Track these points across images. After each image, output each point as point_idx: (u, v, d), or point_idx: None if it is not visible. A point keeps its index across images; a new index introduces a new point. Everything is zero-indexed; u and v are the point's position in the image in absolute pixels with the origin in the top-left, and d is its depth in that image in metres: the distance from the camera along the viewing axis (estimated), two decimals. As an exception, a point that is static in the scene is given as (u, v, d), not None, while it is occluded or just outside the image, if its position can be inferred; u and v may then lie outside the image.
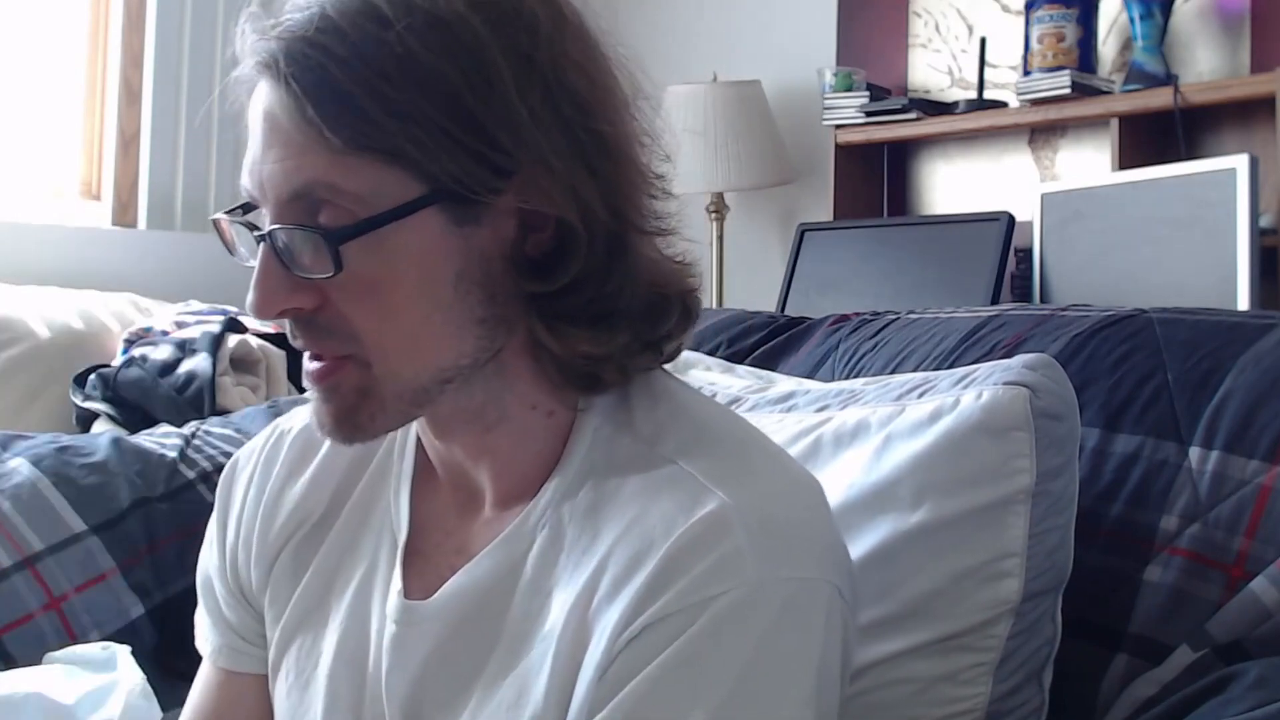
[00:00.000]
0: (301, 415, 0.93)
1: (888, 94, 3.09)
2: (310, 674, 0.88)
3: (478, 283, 0.76)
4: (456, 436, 0.83)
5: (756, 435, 0.84)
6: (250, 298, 0.75)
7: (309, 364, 0.78)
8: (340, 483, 0.91)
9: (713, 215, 3.27)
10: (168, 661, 1.36)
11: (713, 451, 0.78)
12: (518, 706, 0.76)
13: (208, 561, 0.98)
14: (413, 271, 0.74)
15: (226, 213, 0.80)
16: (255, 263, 0.76)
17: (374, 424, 0.78)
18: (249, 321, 2.52)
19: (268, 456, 0.95)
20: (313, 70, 0.72)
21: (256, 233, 0.76)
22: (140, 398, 2.38)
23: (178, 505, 1.51)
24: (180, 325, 2.56)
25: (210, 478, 1.53)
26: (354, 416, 0.78)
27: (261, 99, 0.75)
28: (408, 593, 0.83)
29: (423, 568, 0.84)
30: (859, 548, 0.96)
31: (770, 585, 0.72)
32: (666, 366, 0.85)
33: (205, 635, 0.99)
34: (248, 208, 0.79)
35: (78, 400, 2.45)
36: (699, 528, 0.73)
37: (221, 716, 0.96)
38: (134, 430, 1.87)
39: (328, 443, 0.90)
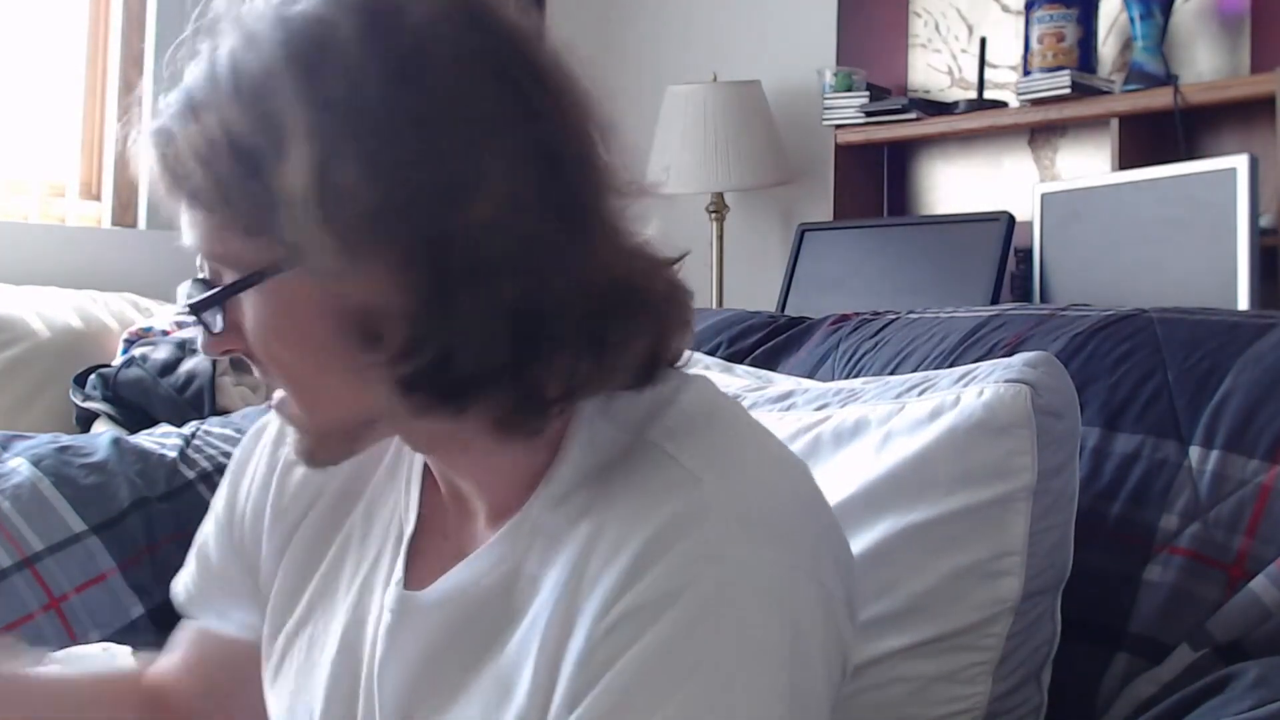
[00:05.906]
0: None
1: (888, 94, 3.09)
2: (317, 658, 0.87)
3: (369, 333, 0.72)
4: (429, 452, 0.83)
5: (747, 420, 0.82)
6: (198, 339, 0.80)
7: (273, 397, 0.81)
8: (352, 473, 0.90)
9: (713, 215, 3.27)
10: (167, 661, 1.36)
11: (699, 436, 0.76)
12: (505, 698, 0.76)
13: (206, 524, 0.99)
14: (291, 329, 0.74)
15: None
16: None
17: (328, 455, 0.81)
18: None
19: (281, 430, 0.95)
20: (168, 148, 0.73)
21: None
22: (140, 398, 2.38)
23: (178, 505, 1.50)
24: (180, 325, 2.56)
25: (210, 478, 1.52)
26: (309, 448, 0.80)
27: None
28: (408, 585, 0.83)
29: (423, 565, 0.84)
30: (858, 545, 0.96)
31: (746, 574, 0.71)
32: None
33: (183, 583, 1.00)
34: None
35: (78, 400, 2.45)
36: (677, 514, 0.72)
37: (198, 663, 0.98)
38: (134, 430, 1.87)
39: None
